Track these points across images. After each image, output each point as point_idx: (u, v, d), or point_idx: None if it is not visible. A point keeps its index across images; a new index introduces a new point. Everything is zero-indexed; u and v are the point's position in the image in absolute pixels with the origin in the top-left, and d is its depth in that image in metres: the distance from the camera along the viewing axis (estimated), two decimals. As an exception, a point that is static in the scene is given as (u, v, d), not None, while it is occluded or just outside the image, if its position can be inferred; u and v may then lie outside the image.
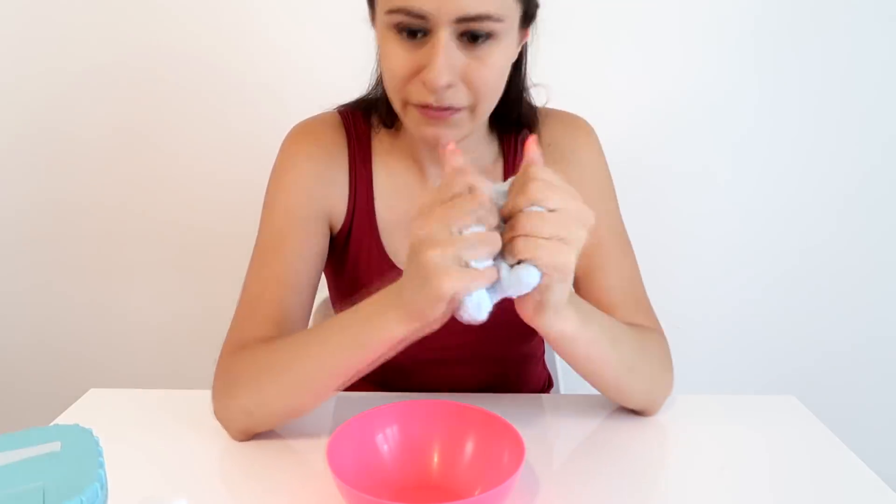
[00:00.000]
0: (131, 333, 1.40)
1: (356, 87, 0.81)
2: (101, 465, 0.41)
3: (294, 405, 0.68)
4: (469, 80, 0.65)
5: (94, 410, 0.75)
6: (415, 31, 0.62)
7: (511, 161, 0.82)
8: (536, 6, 0.69)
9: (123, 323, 1.39)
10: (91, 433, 0.44)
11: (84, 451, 0.42)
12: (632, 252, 0.83)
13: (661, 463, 0.67)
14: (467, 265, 0.52)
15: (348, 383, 0.64)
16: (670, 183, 1.30)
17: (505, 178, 0.81)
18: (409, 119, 0.69)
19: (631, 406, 0.76)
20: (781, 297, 1.36)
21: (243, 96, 1.24)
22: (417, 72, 0.64)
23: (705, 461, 0.67)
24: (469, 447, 0.62)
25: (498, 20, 0.62)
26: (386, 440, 0.63)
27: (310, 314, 0.78)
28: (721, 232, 1.32)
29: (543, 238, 0.52)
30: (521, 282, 0.53)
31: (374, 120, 0.81)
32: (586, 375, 0.70)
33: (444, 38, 0.62)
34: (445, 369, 0.83)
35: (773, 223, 1.32)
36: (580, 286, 0.81)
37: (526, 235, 0.52)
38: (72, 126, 1.27)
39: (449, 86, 0.63)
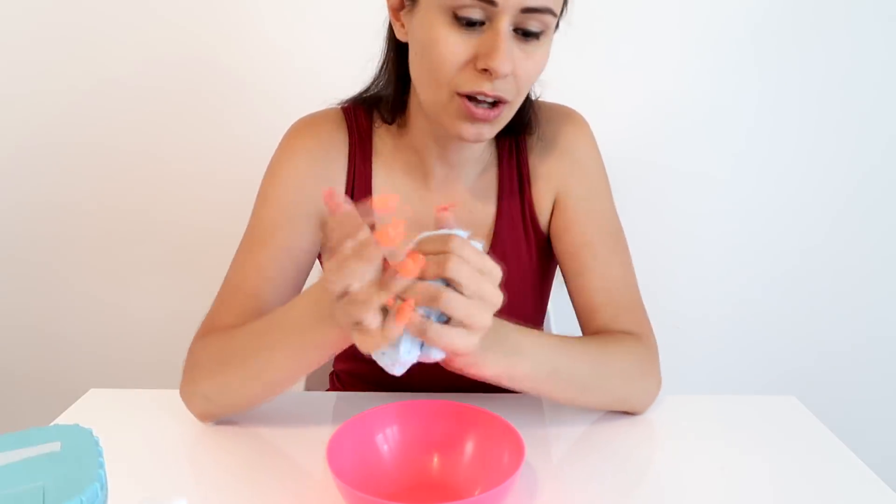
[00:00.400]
0: (131, 333, 1.40)
1: (356, 89, 0.81)
2: (101, 465, 0.41)
3: (251, 396, 0.69)
4: (517, 74, 0.65)
5: (94, 410, 0.75)
6: (474, 18, 0.62)
7: (505, 165, 0.82)
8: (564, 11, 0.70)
9: (123, 323, 1.39)
10: (91, 433, 0.44)
11: (84, 451, 0.42)
12: (624, 251, 0.81)
13: (661, 463, 0.67)
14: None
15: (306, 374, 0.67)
16: (671, 182, 1.30)
17: (499, 183, 0.82)
18: (451, 112, 0.68)
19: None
20: (781, 297, 1.36)
21: (243, 97, 1.24)
22: (471, 60, 0.64)
23: (705, 461, 0.67)
24: (469, 447, 0.62)
25: (553, 15, 0.64)
26: (386, 440, 0.63)
27: None
28: (721, 231, 1.32)
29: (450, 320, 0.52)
30: (399, 358, 0.53)
31: (376, 116, 0.80)
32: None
33: (507, 27, 0.62)
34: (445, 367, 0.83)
35: (774, 223, 1.32)
36: (569, 286, 0.81)
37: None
38: (70, 127, 1.27)
39: (506, 75, 0.63)
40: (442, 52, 0.64)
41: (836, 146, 1.27)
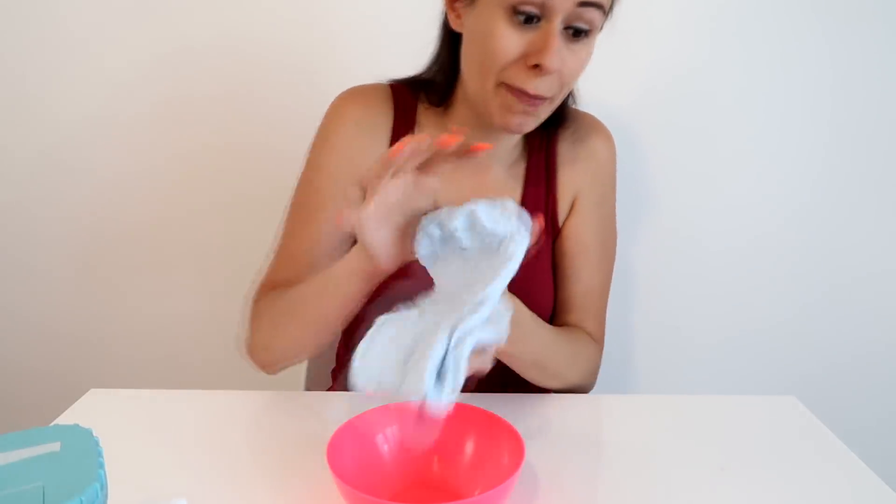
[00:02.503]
0: (131, 333, 1.39)
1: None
2: (101, 465, 0.41)
3: (304, 341, 0.74)
4: (562, 71, 0.68)
5: (94, 410, 0.75)
6: (530, 15, 0.65)
7: (534, 159, 0.84)
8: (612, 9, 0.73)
9: (123, 323, 1.39)
10: (91, 433, 0.44)
11: (84, 451, 0.42)
12: (611, 261, 0.89)
13: (661, 463, 0.67)
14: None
15: (342, 322, 0.71)
16: (670, 180, 1.29)
17: (526, 174, 0.84)
18: (498, 102, 0.71)
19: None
20: (782, 297, 1.36)
21: (246, 97, 1.24)
22: (522, 56, 0.67)
23: (705, 461, 0.67)
24: (469, 447, 0.62)
25: (603, 13, 0.67)
26: (386, 440, 0.63)
27: None
28: (721, 230, 1.32)
29: None
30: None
31: (423, 97, 0.83)
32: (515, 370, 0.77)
33: (559, 25, 0.65)
34: None
35: (774, 222, 1.32)
36: (554, 280, 0.87)
37: None
38: (72, 125, 1.27)
39: (556, 71, 0.67)
40: (497, 45, 0.67)
41: (838, 145, 1.27)
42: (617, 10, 0.73)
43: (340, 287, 0.67)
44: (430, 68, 0.82)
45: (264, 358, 0.77)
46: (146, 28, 1.20)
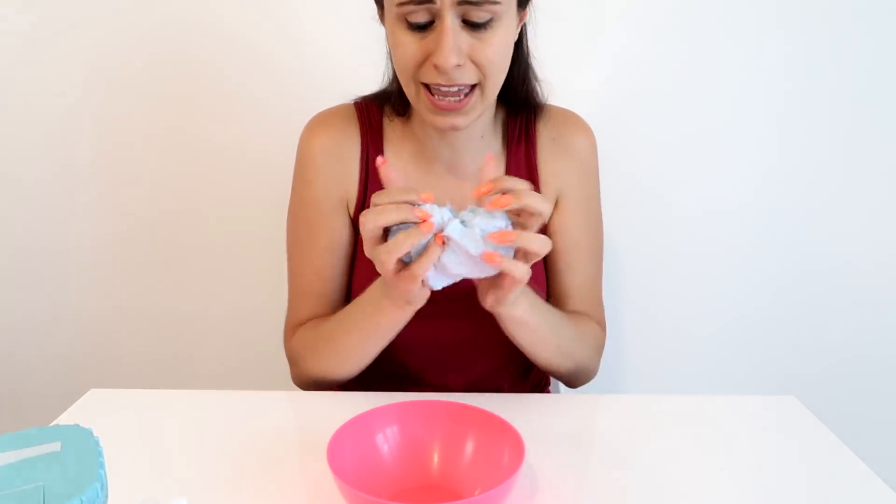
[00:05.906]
0: (131, 333, 1.39)
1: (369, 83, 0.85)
2: (101, 465, 0.41)
3: (347, 370, 0.79)
4: (475, 59, 0.70)
5: (94, 410, 0.75)
6: (422, 21, 0.68)
7: (515, 153, 0.84)
8: None
9: (124, 323, 1.39)
10: (91, 433, 0.44)
11: (84, 451, 0.42)
12: (600, 252, 0.91)
13: (661, 463, 0.67)
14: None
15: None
16: (668, 180, 1.29)
17: (506, 171, 0.85)
18: (422, 107, 0.74)
19: (556, 378, 0.88)
20: (781, 296, 1.36)
21: (246, 96, 1.24)
22: (427, 57, 0.69)
23: (705, 461, 0.67)
24: (469, 447, 0.62)
25: (496, 3, 0.67)
26: (386, 440, 0.63)
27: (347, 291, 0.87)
28: (719, 230, 1.32)
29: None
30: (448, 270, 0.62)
31: (388, 109, 0.86)
32: (528, 353, 0.78)
33: (450, 22, 0.67)
34: (453, 354, 0.85)
35: (774, 221, 1.32)
36: (549, 278, 0.89)
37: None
38: (71, 122, 1.27)
39: (457, 66, 0.68)
40: (402, 54, 0.71)
41: (835, 140, 1.27)
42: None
43: (374, 331, 0.74)
44: (390, 80, 0.85)
45: (314, 386, 0.83)
46: (145, 27, 1.21)
